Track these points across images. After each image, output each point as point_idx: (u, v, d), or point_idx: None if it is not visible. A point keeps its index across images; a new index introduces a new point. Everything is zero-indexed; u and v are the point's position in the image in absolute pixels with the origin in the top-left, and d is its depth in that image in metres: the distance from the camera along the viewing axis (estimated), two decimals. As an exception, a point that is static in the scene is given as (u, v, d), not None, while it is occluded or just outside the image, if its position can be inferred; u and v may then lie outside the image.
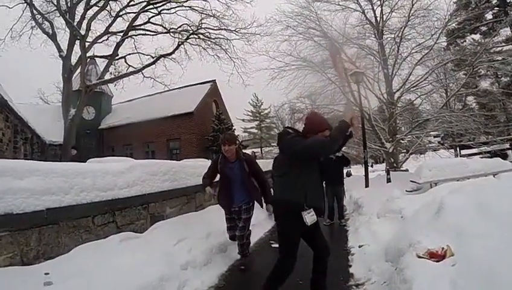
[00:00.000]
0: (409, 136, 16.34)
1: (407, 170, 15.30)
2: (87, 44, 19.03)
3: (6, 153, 12.99)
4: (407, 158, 17.26)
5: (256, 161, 5.26)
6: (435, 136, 22.31)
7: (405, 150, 17.94)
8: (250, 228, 4.99)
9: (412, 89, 15.72)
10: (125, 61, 20.91)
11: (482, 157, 15.46)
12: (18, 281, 2.84)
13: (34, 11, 18.60)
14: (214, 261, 4.64)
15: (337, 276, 4.00)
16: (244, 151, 5.33)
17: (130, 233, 4.49)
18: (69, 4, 18.82)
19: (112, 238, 4.10)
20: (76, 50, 18.97)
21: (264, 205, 4.85)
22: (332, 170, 7.76)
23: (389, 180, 11.28)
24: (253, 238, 6.34)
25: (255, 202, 4.85)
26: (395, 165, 15.58)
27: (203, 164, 8.61)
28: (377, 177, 14.70)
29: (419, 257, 2.93)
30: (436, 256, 2.84)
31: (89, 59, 20.13)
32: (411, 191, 8.38)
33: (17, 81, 47.11)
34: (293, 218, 2.94)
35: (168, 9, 20.44)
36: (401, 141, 16.50)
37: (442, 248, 2.84)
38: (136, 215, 4.96)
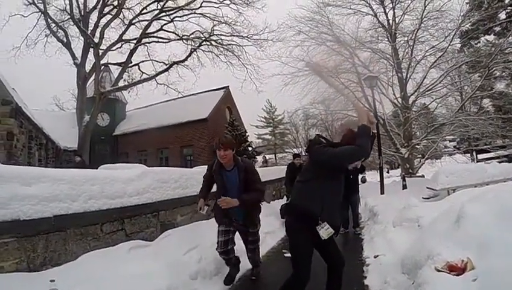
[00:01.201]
0: (425, 140, 16.02)
1: (423, 176, 15.04)
2: (100, 52, 19.27)
3: (21, 158, 13.15)
4: (423, 163, 16.94)
5: (265, 167, 4.77)
6: (450, 141, 21.94)
7: (420, 155, 17.61)
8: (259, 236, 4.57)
9: (426, 93, 15.47)
10: (139, 69, 21.16)
11: (499, 162, 15.04)
12: (23, 287, 2.80)
13: (49, 20, 18.96)
14: (224, 271, 4.49)
15: (351, 287, 3.86)
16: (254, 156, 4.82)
17: (139, 241, 4.42)
18: (82, 13, 19.13)
19: (121, 246, 4.04)
20: (91, 58, 19.29)
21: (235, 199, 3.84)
22: (347, 176, 7.57)
23: (404, 187, 11.08)
24: (265, 248, 6.22)
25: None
26: (410, 170, 15.29)
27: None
28: (392, 183, 14.49)
29: (438, 270, 2.77)
30: (456, 269, 2.69)
31: (103, 66, 20.38)
32: (428, 198, 8.18)
33: (33, 87, 48.00)
34: (305, 226, 2.82)
35: (180, 17, 20.68)
36: (416, 146, 16.18)
37: (462, 261, 2.69)
38: (145, 223, 4.89)
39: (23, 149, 13.89)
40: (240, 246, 4.48)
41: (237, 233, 4.34)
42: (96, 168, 5.88)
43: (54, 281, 2.84)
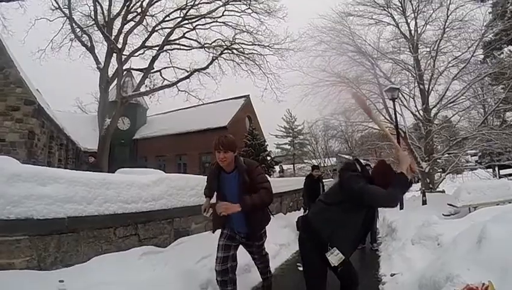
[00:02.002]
0: (446, 155, 15.63)
1: (443, 191, 14.64)
2: (123, 57, 19.58)
3: (41, 157, 13.49)
4: (444, 178, 16.53)
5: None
6: (472, 155, 21.37)
7: (441, 170, 17.18)
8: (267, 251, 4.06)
9: (449, 105, 15.07)
10: (161, 75, 21.38)
11: (523, 178, 14.56)
12: (33, 285, 2.82)
13: (74, 25, 19.44)
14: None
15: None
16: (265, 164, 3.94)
17: (152, 247, 4.41)
18: (106, 19, 19.54)
19: (133, 251, 4.04)
20: (113, 63, 19.60)
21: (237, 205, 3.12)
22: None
23: (424, 202, 10.81)
24: (280, 261, 6.15)
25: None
26: (430, 185, 14.91)
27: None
28: (412, 198, 14.17)
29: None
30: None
31: (125, 72, 20.74)
32: (448, 215, 7.95)
33: (57, 89, 49.39)
34: (316, 247, 2.71)
35: (202, 25, 20.90)
36: (437, 160, 15.80)
37: (483, 284, 2.56)
38: (159, 230, 4.88)
39: (44, 149, 14.26)
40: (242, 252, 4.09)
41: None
42: (114, 172, 5.93)
43: (63, 281, 2.86)
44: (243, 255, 5.22)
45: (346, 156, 37.04)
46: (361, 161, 2.95)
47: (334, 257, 2.60)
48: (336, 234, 2.63)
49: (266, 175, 3.37)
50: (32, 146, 12.67)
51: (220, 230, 3.70)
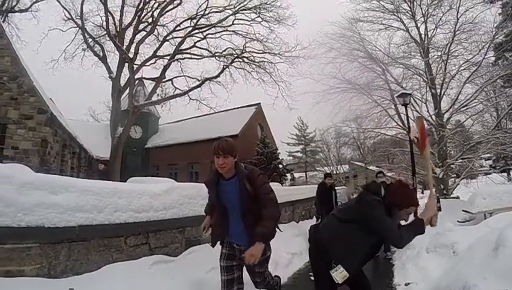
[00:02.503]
0: (460, 160, 15.38)
1: (458, 197, 14.39)
2: (135, 66, 19.85)
3: (54, 165, 13.67)
4: (458, 184, 16.26)
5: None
6: (486, 159, 21.02)
7: (455, 175, 16.91)
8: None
9: (461, 109, 14.86)
10: (172, 84, 21.60)
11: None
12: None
13: (86, 35, 19.78)
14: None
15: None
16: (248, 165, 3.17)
17: (163, 256, 4.39)
18: (118, 29, 19.83)
19: (144, 261, 4.02)
20: (125, 72, 19.86)
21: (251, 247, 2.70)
22: None
23: (439, 209, 10.62)
24: (292, 270, 6.09)
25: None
26: (445, 191, 14.68)
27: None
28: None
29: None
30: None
31: (137, 81, 20.98)
32: (463, 222, 7.79)
33: (70, 98, 50.15)
34: (324, 261, 2.69)
35: (213, 34, 21.10)
36: (451, 165, 15.56)
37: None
38: (170, 239, 4.86)
39: (57, 157, 14.47)
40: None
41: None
42: (125, 180, 5.94)
43: (72, 289, 2.85)
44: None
45: (358, 163, 36.83)
46: (378, 179, 2.95)
47: (339, 274, 2.57)
48: (344, 253, 2.61)
49: (270, 184, 2.99)
50: (45, 154, 12.87)
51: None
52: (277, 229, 2.93)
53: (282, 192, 10.86)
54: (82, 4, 19.29)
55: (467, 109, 14.83)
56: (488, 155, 18.47)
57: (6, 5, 19.61)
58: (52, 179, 3.52)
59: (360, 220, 2.59)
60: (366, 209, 2.57)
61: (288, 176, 25.08)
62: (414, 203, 2.69)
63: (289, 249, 6.68)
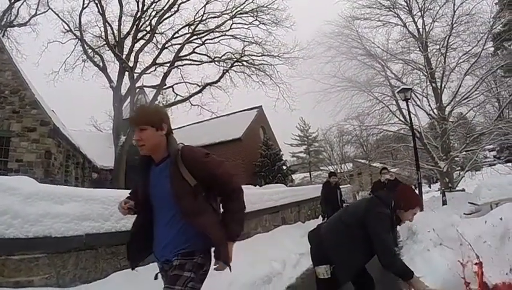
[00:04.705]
0: (464, 152, 15.33)
1: (463, 190, 14.32)
2: (135, 75, 19.93)
3: (58, 176, 13.75)
4: (463, 176, 16.21)
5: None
6: (490, 150, 20.94)
7: (460, 168, 16.86)
8: None
9: (463, 102, 14.81)
10: (173, 90, 21.75)
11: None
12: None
13: (85, 46, 19.91)
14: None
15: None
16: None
17: (171, 262, 4.38)
18: (117, 38, 19.93)
19: (151, 267, 4.02)
20: (126, 81, 19.98)
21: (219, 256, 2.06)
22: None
23: (444, 203, 10.62)
24: (300, 269, 6.09)
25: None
26: (450, 185, 14.62)
27: (248, 192, 8.56)
28: (432, 199, 13.91)
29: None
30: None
31: (138, 89, 21.08)
32: (469, 214, 7.74)
33: (72, 109, 50.53)
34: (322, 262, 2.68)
35: (211, 39, 21.20)
36: (455, 158, 15.52)
37: (509, 283, 2.50)
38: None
39: (61, 167, 14.55)
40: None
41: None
42: (130, 189, 5.97)
43: None
44: (262, 263, 5.17)
45: (362, 161, 36.78)
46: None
47: (322, 270, 2.62)
48: (343, 262, 2.62)
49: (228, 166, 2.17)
50: (49, 166, 12.94)
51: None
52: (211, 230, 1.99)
53: (288, 193, 10.90)
54: (80, 16, 19.48)
55: (468, 101, 14.79)
56: (492, 146, 18.40)
57: (5, 19, 19.77)
58: (57, 189, 3.57)
59: (362, 226, 2.64)
60: (373, 219, 2.61)
61: (290, 178, 25.09)
62: (418, 204, 2.78)
63: (297, 250, 6.69)
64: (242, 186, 2.17)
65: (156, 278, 2.19)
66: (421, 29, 15.69)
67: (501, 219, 3.66)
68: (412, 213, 2.71)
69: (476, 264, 2.86)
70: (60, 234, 3.20)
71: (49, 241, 3.12)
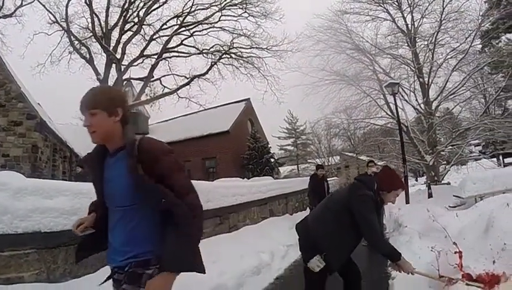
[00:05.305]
0: (450, 146, 15.60)
1: (449, 183, 14.60)
2: (123, 67, 19.64)
3: (45, 170, 13.56)
4: (448, 170, 16.49)
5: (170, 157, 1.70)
6: (475, 145, 21.31)
7: (445, 162, 17.14)
8: None
9: (450, 97, 15.10)
10: (161, 83, 21.42)
11: (528, 165, 14.53)
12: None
13: (72, 38, 19.50)
14: (246, 285, 4.44)
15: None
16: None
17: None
18: (104, 30, 19.59)
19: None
20: (113, 73, 19.63)
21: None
22: None
23: (430, 195, 10.81)
24: (288, 261, 6.11)
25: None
26: (436, 178, 14.89)
27: (237, 184, 8.57)
28: (418, 192, 14.13)
29: (468, 284, 2.64)
30: (487, 282, 2.56)
31: (125, 82, 20.76)
32: (454, 207, 7.91)
33: (58, 102, 49.80)
34: (314, 255, 2.68)
35: (200, 31, 20.95)
36: (441, 152, 15.76)
37: (493, 273, 2.57)
38: (167, 238, 4.88)
39: (48, 162, 14.33)
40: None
41: None
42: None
43: None
44: (251, 255, 5.22)
45: (349, 154, 37.10)
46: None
47: (315, 263, 2.62)
48: (332, 244, 2.64)
49: (186, 175, 1.77)
50: (36, 160, 12.75)
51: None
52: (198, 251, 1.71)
53: (275, 185, 10.98)
54: (67, 7, 18.98)
55: (455, 96, 15.06)
56: (477, 141, 18.74)
57: (-11, 11, 19.28)
58: (45, 184, 3.53)
59: (346, 211, 2.67)
60: (356, 202, 2.66)
61: (276, 170, 25.21)
62: (401, 186, 2.81)
63: (285, 241, 6.75)
64: (200, 204, 1.66)
65: (102, 283, 1.80)
66: (409, 25, 15.89)
67: (480, 215, 3.77)
68: (394, 194, 2.76)
69: (455, 253, 2.92)
70: (49, 229, 3.19)
71: (39, 237, 3.11)
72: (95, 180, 1.81)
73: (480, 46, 16.87)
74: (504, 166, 19.32)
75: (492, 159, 19.52)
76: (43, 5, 19.00)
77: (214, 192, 6.47)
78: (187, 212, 1.56)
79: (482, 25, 14.70)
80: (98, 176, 1.77)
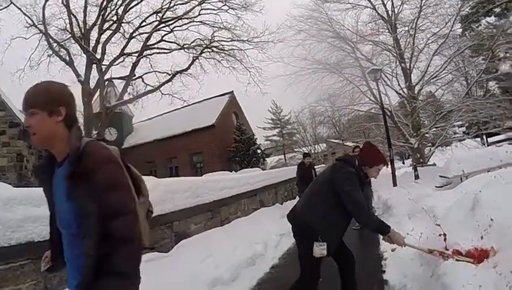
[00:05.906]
0: (433, 129, 15.86)
1: (434, 164, 14.87)
2: (103, 67, 19.35)
3: (32, 179, 13.39)
4: (434, 152, 16.77)
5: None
6: (459, 127, 21.68)
7: (430, 144, 17.42)
8: None
9: (431, 81, 15.27)
10: (143, 81, 21.17)
11: (510, 144, 14.81)
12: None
13: (50, 40, 19.11)
14: (242, 276, 4.49)
15: (370, 283, 3.84)
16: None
17: (155, 253, 4.41)
18: (83, 30, 19.24)
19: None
20: (94, 74, 19.34)
21: None
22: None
23: (417, 177, 10.99)
24: (282, 250, 6.17)
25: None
26: (421, 160, 15.15)
27: (226, 177, 8.61)
28: (404, 174, 14.36)
29: (458, 259, 2.73)
30: (476, 257, 2.65)
31: (107, 82, 20.46)
32: (441, 187, 8.08)
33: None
34: (308, 241, 2.71)
35: (180, 26, 20.73)
36: (425, 135, 16.01)
37: (482, 249, 2.66)
38: (160, 235, 4.91)
39: (33, 170, 14.12)
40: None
41: None
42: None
43: None
44: (245, 247, 5.29)
45: (335, 141, 37.43)
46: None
47: (320, 250, 2.64)
48: (327, 230, 2.68)
49: (129, 192, 1.51)
50: (22, 169, 12.57)
51: None
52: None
53: (263, 176, 11.06)
54: (44, 9, 18.56)
55: (436, 80, 15.25)
56: (461, 122, 19.06)
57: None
58: (34, 192, 3.46)
59: (332, 192, 2.71)
60: (339, 181, 2.69)
61: (261, 161, 25.30)
62: (382, 161, 2.87)
63: (277, 231, 6.82)
64: (131, 233, 1.39)
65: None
66: (390, 12, 15.94)
67: (466, 193, 3.87)
68: (376, 169, 2.83)
69: (440, 235, 3.02)
70: (42, 238, 3.13)
71: (33, 247, 3.07)
72: (46, 196, 1.58)
73: (461, 30, 17.12)
74: (488, 145, 19.75)
75: (476, 139, 19.89)
76: (19, 8, 18.54)
77: (204, 187, 6.50)
78: (125, 246, 1.34)
79: (462, 9, 14.83)
80: (47, 191, 1.55)
